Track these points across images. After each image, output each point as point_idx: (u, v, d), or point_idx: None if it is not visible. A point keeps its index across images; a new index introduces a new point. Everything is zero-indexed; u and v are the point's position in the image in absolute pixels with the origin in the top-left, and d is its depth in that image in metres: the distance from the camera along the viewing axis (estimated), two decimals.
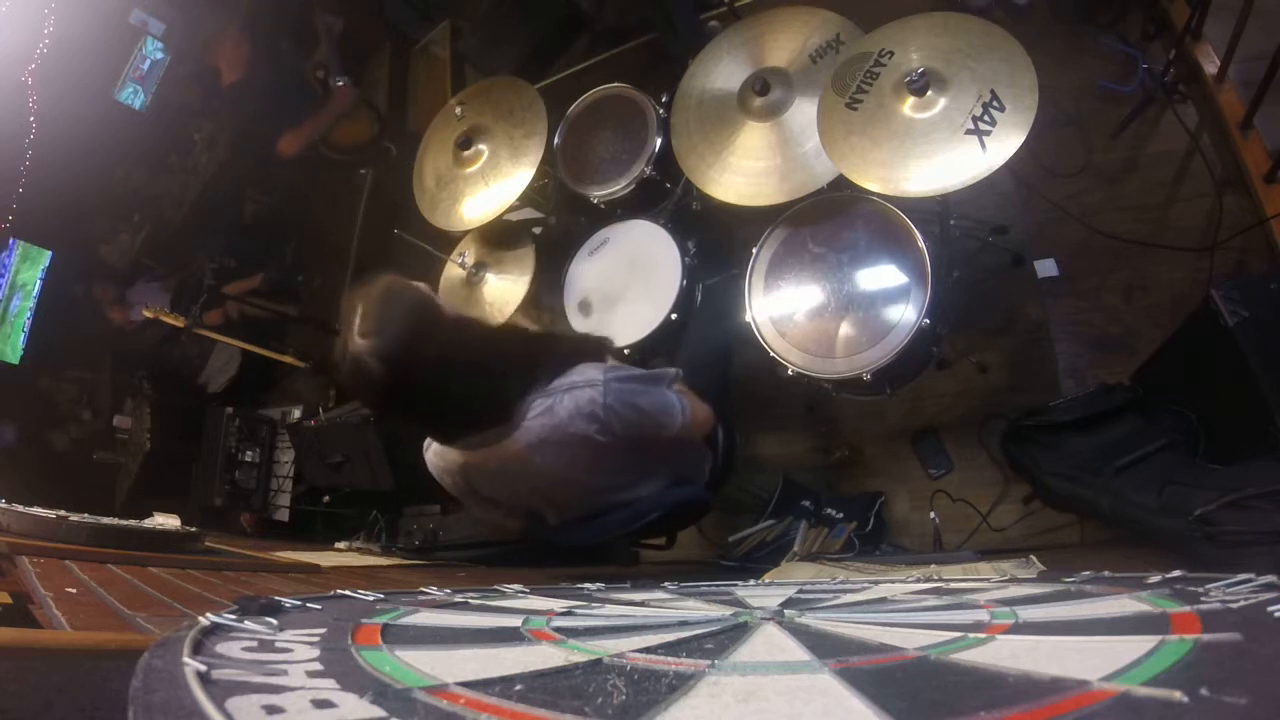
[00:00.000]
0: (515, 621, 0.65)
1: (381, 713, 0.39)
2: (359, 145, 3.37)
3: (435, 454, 1.42)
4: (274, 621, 0.57)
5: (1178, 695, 0.33)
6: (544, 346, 1.41)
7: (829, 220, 1.77)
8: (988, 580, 0.82)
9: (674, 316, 1.86)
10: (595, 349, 1.48)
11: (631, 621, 0.72)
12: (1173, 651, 0.41)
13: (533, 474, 1.32)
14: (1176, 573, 0.61)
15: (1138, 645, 0.42)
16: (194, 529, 1.58)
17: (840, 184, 1.70)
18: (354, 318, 1.15)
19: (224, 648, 0.50)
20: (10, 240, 3.52)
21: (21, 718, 0.51)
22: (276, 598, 0.65)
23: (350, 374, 1.15)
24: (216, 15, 3.34)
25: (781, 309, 1.78)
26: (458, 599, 0.81)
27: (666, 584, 0.94)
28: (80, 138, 3.50)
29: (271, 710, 0.39)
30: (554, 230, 2.32)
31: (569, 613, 0.72)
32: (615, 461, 1.35)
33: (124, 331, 3.64)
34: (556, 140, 2.19)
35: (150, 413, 3.41)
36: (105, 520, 1.42)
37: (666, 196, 2.08)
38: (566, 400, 1.25)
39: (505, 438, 1.28)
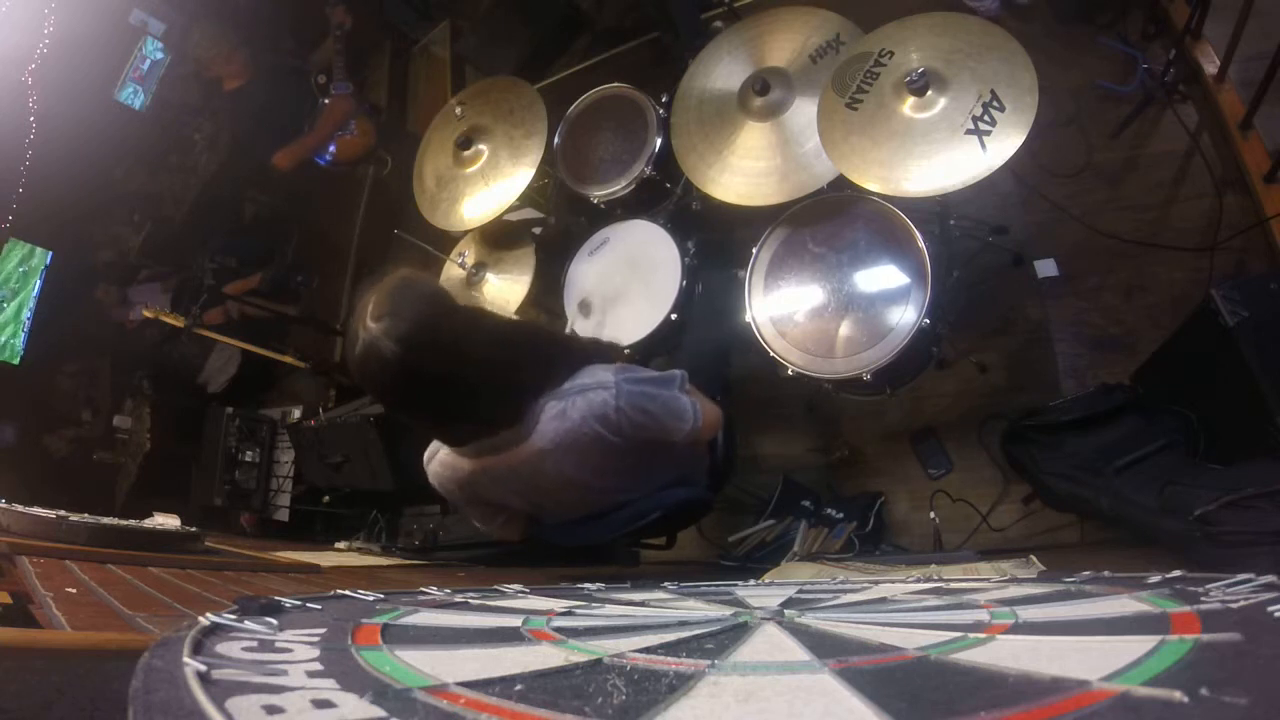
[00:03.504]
0: (515, 621, 0.65)
1: (381, 713, 0.39)
2: (356, 158, 3.36)
3: (440, 464, 1.39)
4: (274, 621, 0.57)
5: (1178, 695, 0.33)
6: (560, 347, 1.40)
7: (829, 220, 1.77)
8: (988, 580, 0.82)
9: (674, 316, 1.86)
10: (608, 352, 1.47)
11: (631, 621, 0.72)
12: (1173, 651, 0.41)
13: (541, 476, 1.31)
14: (1176, 573, 0.61)
15: (1138, 645, 0.42)
16: (194, 529, 1.58)
17: (840, 184, 1.69)
18: (367, 308, 1.13)
19: (224, 648, 0.50)
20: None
21: (21, 718, 0.51)
22: (276, 598, 0.65)
23: (363, 359, 1.12)
24: (213, 15, 3.33)
25: (781, 309, 1.78)
26: (458, 599, 0.81)
27: (666, 584, 0.94)
28: (80, 138, 3.49)
29: (271, 710, 0.39)
30: (554, 230, 2.32)
31: (569, 613, 0.72)
32: (622, 462, 1.34)
33: (124, 331, 3.64)
34: (556, 140, 2.19)
35: (150, 413, 3.41)
36: (105, 520, 1.42)
37: (666, 196, 2.08)
38: (579, 402, 1.24)
39: (518, 442, 1.26)
